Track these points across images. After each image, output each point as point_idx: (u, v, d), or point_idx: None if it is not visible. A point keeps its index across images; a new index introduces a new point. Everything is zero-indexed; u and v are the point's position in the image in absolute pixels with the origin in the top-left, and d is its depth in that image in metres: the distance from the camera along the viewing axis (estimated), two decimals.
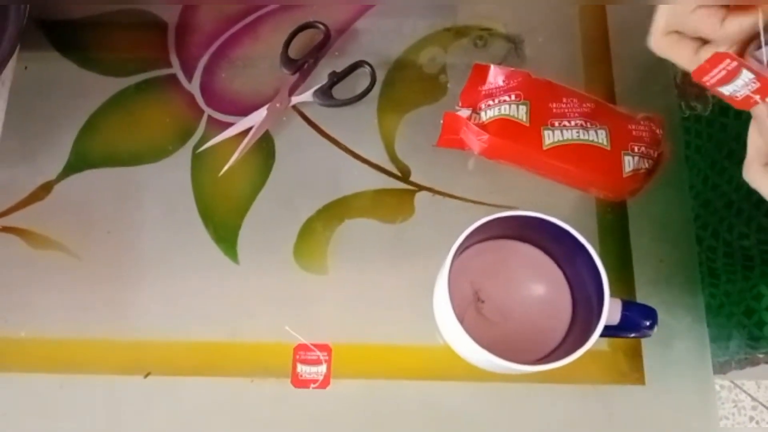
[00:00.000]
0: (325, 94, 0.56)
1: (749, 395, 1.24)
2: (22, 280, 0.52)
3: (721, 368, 0.63)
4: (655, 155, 0.51)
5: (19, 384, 0.49)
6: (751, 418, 1.24)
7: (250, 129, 0.55)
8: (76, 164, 0.55)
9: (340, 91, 0.56)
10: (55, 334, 0.50)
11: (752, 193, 0.53)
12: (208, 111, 0.57)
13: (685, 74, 0.62)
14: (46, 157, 0.55)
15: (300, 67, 0.57)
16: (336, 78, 0.56)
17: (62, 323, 0.50)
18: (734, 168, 0.55)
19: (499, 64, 0.55)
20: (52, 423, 0.48)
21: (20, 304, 0.51)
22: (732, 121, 0.55)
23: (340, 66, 0.57)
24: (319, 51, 0.57)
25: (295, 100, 0.56)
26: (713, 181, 0.57)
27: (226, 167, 0.54)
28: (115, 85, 0.57)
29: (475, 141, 0.52)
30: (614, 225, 0.53)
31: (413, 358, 0.49)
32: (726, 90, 0.35)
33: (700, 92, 0.59)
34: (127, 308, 0.51)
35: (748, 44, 0.35)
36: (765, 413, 1.24)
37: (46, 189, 0.54)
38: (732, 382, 1.24)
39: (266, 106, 0.56)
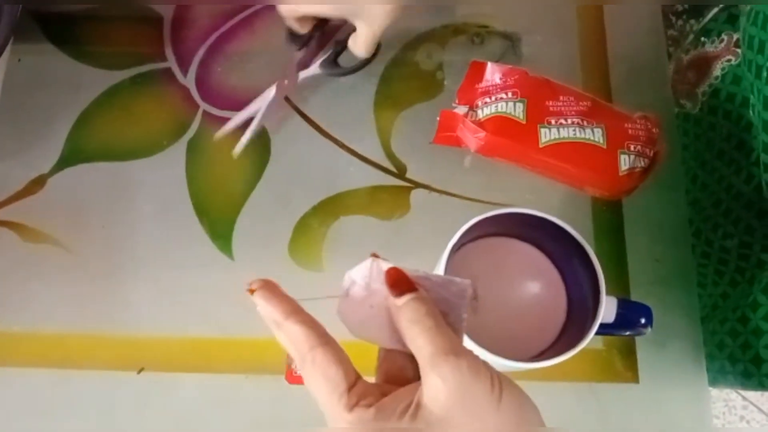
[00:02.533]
0: (332, 64, 0.55)
1: (740, 395, 1.25)
2: (14, 274, 0.51)
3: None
4: (651, 154, 0.51)
5: (11, 379, 0.48)
6: (742, 418, 1.25)
7: (251, 119, 0.55)
8: (70, 158, 0.54)
9: (345, 60, 0.56)
10: (48, 328, 0.50)
11: (743, 195, 0.53)
12: (203, 105, 0.56)
13: (675, 72, 0.62)
14: (39, 150, 0.54)
15: (306, 41, 0.56)
16: (341, 47, 0.55)
17: (55, 318, 0.50)
18: (724, 167, 0.55)
19: (497, 61, 0.55)
20: (44, 418, 0.48)
21: (13, 299, 0.50)
22: (721, 120, 0.56)
23: (339, 61, 0.57)
24: (325, 22, 0.56)
25: (303, 74, 0.56)
26: (702, 180, 0.57)
27: (237, 147, 0.54)
28: (109, 78, 0.57)
29: (472, 138, 0.52)
30: (610, 224, 0.53)
31: None
32: None
33: (690, 90, 0.59)
34: (120, 303, 0.50)
35: None
36: (755, 413, 1.25)
37: (39, 183, 0.54)
38: None
39: (275, 84, 0.55)
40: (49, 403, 0.48)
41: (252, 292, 0.31)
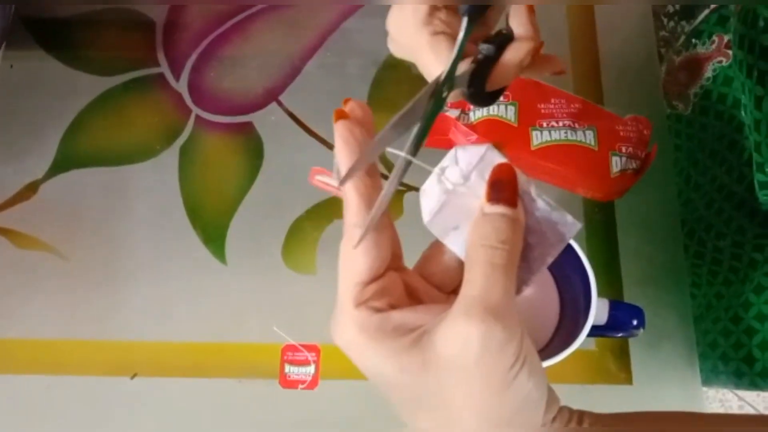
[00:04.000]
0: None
1: (736, 395, 1.25)
2: (8, 281, 0.51)
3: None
4: (642, 156, 0.51)
5: (5, 385, 0.48)
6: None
7: (246, 123, 0.55)
8: (63, 164, 0.54)
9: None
10: (42, 335, 0.50)
11: (735, 194, 0.54)
12: (195, 110, 0.56)
13: (667, 73, 0.62)
14: (32, 156, 0.54)
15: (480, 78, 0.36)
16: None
17: (49, 324, 0.50)
18: (716, 168, 0.56)
19: None
20: (38, 424, 0.48)
21: (7, 305, 0.50)
22: (713, 121, 0.56)
23: (330, 65, 0.57)
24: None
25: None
26: (695, 180, 0.58)
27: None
28: (102, 84, 0.57)
29: (464, 141, 0.52)
30: (602, 225, 0.54)
31: None
32: None
33: (682, 92, 0.59)
34: (114, 309, 0.51)
35: None
36: (752, 412, 1.25)
37: (32, 188, 0.54)
38: None
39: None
40: (44, 408, 0.48)
41: (337, 118, 0.26)
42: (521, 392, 0.24)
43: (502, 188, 0.26)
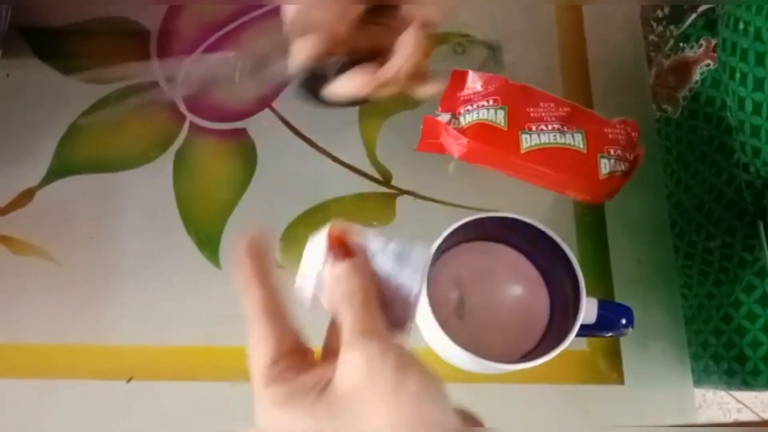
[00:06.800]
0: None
1: (733, 397, 1.25)
2: (3, 287, 0.51)
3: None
4: (631, 158, 0.52)
5: (1, 390, 0.49)
6: (736, 421, 1.25)
7: (240, 129, 0.56)
8: (58, 171, 0.55)
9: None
10: (37, 340, 0.50)
11: (724, 195, 0.54)
12: (189, 117, 0.57)
13: (656, 77, 0.63)
14: (27, 163, 0.55)
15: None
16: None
17: (44, 329, 0.50)
18: (706, 170, 0.56)
19: (478, 70, 0.56)
20: (34, 429, 0.48)
21: (2, 311, 0.51)
22: (701, 124, 0.57)
23: None
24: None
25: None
26: (686, 182, 0.58)
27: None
28: (97, 91, 0.57)
29: (455, 145, 0.53)
30: (592, 227, 0.54)
31: None
32: None
33: (671, 95, 0.60)
34: (109, 314, 0.51)
35: None
36: (750, 415, 1.25)
37: (28, 195, 0.54)
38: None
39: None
40: (37, 414, 0.48)
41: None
42: (414, 388, 0.27)
43: (336, 251, 0.31)
